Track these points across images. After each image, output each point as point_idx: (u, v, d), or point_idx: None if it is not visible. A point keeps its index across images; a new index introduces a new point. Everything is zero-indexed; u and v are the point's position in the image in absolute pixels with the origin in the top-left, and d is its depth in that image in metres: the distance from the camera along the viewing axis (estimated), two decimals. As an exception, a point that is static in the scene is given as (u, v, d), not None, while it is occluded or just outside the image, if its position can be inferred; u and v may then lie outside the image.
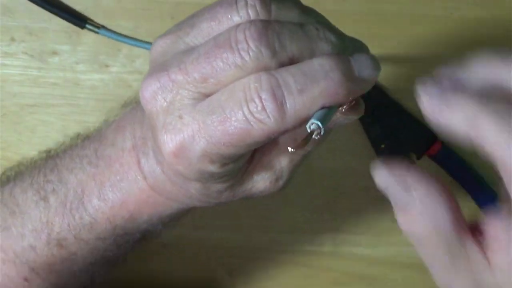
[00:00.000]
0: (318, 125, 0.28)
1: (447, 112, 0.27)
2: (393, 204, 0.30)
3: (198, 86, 0.31)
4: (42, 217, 0.40)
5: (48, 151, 0.44)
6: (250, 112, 0.29)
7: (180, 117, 0.31)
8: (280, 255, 0.59)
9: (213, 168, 0.32)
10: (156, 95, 0.31)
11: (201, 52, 0.30)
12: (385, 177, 0.29)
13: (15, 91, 0.55)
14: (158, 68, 0.32)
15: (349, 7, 0.53)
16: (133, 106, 0.39)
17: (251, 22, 0.30)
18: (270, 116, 0.29)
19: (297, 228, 0.58)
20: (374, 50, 0.34)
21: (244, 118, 0.29)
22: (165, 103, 0.31)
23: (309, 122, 0.29)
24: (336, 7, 0.53)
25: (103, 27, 0.53)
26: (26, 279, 0.41)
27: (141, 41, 0.54)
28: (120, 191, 0.38)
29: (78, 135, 0.43)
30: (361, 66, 0.30)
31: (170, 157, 0.32)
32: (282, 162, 0.36)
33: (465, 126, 0.26)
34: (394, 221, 0.58)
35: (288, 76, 0.29)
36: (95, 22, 0.54)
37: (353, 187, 0.58)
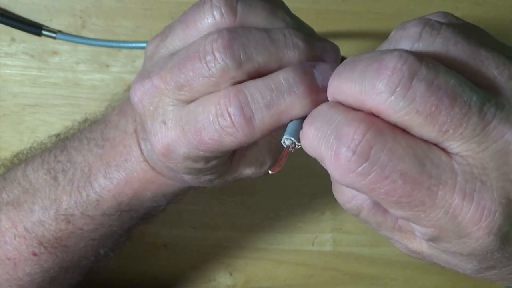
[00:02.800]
0: (292, 140, 0.30)
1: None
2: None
3: (176, 93, 0.32)
4: (50, 194, 0.42)
5: (57, 135, 0.46)
6: (221, 127, 0.31)
7: (164, 122, 0.33)
8: (280, 255, 0.59)
9: (198, 165, 0.34)
10: (143, 100, 0.34)
11: (175, 62, 0.32)
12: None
13: (16, 91, 0.55)
14: (145, 73, 0.34)
15: (348, 7, 0.53)
16: None
17: (218, 33, 0.31)
18: (240, 130, 0.31)
19: (297, 228, 0.58)
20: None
21: (215, 131, 0.31)
22: (151, 107, 0.33)
23: (283, 138, 0.30)
24: (335, 7, 0.53)
25: (59, 31, 0.54)
26: (34, 254, 0.43)
27: (102, 40, 0.54)
28: (125, 170, 0.40)
29: (85, 120, 0.46)
30: (324, 76, 0.31)
31: (159, 156, 0.34)
32: (263, 153, 0.38)
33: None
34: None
35: (256, 92, 0.31)
36: (51, 28, 0.54)
37: (353, 187, 0.58)
